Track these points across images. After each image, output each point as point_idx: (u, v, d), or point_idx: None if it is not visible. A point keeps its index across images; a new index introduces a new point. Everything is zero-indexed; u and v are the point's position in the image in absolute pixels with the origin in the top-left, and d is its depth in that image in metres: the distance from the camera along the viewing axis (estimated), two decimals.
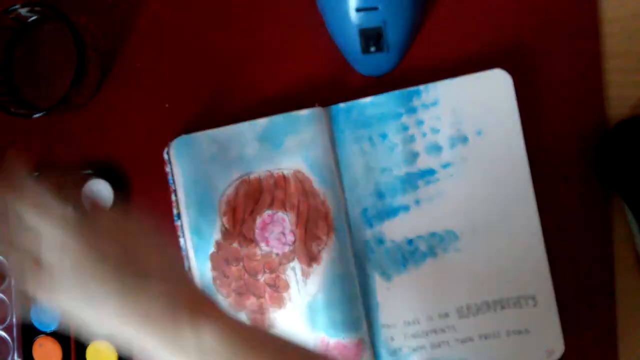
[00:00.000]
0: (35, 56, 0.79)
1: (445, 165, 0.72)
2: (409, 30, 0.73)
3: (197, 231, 0.75)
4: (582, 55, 0.73)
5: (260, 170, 0.74)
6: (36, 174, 0.79)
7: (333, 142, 0.74)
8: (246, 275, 0.74)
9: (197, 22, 0.79)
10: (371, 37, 0.71)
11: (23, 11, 0.75)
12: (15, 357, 0.81)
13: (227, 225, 0.74)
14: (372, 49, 0.72)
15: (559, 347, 0.70)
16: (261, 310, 0.73)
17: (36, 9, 0.74)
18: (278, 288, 0.73)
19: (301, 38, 0.77)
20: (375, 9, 0.70)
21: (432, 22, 0.75)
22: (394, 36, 0.72)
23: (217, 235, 0.74)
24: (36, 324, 0.80)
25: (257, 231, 0.73)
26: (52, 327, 0.80)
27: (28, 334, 0.80)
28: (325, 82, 0.76)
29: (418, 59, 0.75)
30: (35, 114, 0.73)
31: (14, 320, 0.81)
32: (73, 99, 0.75)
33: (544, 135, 0.73)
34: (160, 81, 0.79)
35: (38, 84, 0.79)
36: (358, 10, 0.70)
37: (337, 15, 0.72)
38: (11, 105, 0.76)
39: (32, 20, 0.78)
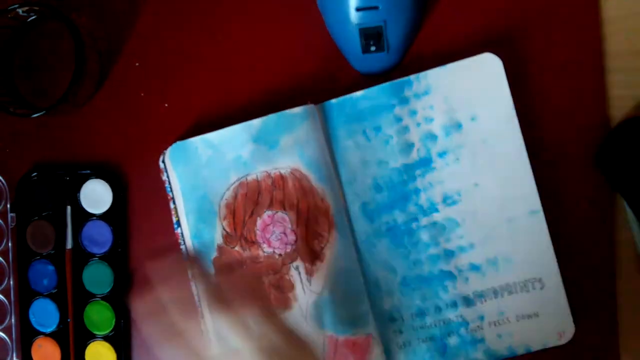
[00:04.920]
0: (35, 56, 0.79)
1: (441, 154, 0.72)
2: (409, 29, 0.73)
3: (198, 237, 0.74)
4: (584, 55, 0.73)
5: (257, 171, 0.73)
6: (34, 174, 0.79)
7: (328, 138, 0.73)
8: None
9: (196, 21, 0.79)
10: (371, 37, 0.71)
11: (22, 11, 0.75)
12: (14, 357, 0.81)
13: (228, 229, 0.74)
14: (373, 48, 0.72)
15: (570, 329, 0.70)
16: None
17: (35, 8, 0.74)
18: (283, 289, 0.73)
19: (300, 38, 0.77)
20: (376, 8, 0.69)
21: (433, 21, 0.75)
22: (394, 36, 0.72)
23: (218, 239, 0.74)
24: (35, 325, 0.80)
25: (258, 233, 0.73)
26: (51, 328, 0.80)
27: (27, 334, 0.80)
28: (322, 81, 0.76)
29: (418, 57, 0.75)
30: (34, 113, 0.73)
31: (13, 320, 0.81)
32: (72, 99, 0.75)
33: (545, 135, 0.73)
34: (159, 81, 0.79)
35: (37, 84, 0.79)
36: (358, 9, 0.70)
37: (337, 14, 0.72)
38: (10, 104, 0.76)
39: (31, 20, 0.78)
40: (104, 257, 0.79)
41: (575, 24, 0.73)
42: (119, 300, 0.79)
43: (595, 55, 0.73)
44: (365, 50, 0.72)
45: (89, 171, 0.79)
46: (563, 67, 0.73)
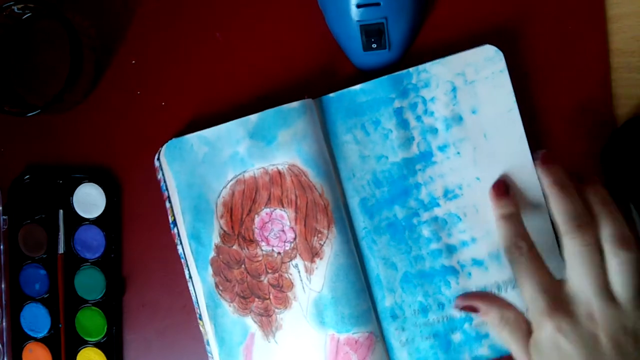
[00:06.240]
0: (30, 54, 0.78)
1: (442, 147, 0.71)
2: (411, 26, 0.72)
3: (195, 236, 0.73)
4: (589, 51, 0.73)
5: (254, 167, 0.72)
6: (27, 177, 0.78)
7: (326, 133, 0.73)
8: (249, 278, 0.72)
9: (192, 17, 0.78)
10: (372, 34, 0.70)
11: (17, 8, 0.74)
12: None
13: (225, 228, 0.73)
14: (374, 45, 0.71)
15: None
16: (267, 312, 0.72)
17: (30, 6, 0.73)
18: (282, 288, 0.72)
19: (300, 34, 0.76)
20: (377, 4, 0.69)
21: (435, 17, 0.74)
22: (395, 32, 0.71)
23: (216, 238, 0.73)
24: (26, 329, 0.79)
25: (256, 231, 0.72)
26: (42, 333, 0.79)
27: (18, 339, 0.79)
28: (321, 76, 0.76)
29: (420, 54, 0.74)
30: (29, 112, 0.72)
31: (4, 325, 0.80)
32: (68, 97, 0.74)
33: (547, 131, 0.73)
34: (156, 78, 0.78)
35: (32, 82, 0.78)
36: (359, 6, 0.69)
37: (337, 11, 0.71)
38: (5, 103, 0.74)
39: (26, 18, 0.77)
40: (96, 263, 0.78)
41: (579, 18, 0.72)
42: (111, 306, 0.78)
43: (601, 52, 0.72)
44: (367, 47, 0.71)
45: (82, 175, 0.78)
46: (567, 63, 0.72)
